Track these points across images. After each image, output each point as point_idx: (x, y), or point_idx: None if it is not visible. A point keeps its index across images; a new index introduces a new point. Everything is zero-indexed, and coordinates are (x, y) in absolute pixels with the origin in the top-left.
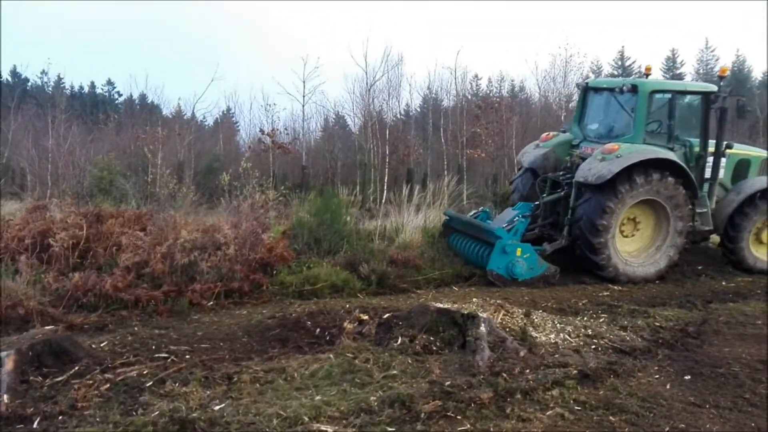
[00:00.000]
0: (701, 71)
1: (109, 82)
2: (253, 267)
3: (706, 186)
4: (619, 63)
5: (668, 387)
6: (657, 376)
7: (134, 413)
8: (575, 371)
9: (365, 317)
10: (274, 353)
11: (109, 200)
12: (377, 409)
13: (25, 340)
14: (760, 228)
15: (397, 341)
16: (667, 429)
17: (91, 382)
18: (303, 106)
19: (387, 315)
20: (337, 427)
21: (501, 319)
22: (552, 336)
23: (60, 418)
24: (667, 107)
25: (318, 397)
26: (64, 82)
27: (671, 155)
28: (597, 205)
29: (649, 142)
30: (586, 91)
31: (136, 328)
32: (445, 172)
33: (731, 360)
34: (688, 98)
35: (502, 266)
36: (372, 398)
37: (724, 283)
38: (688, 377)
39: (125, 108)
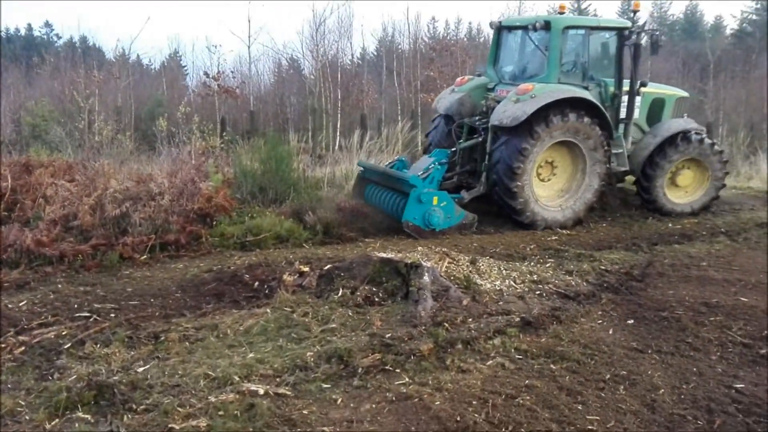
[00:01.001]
0: (655, 14)
1: (47, 24)
2: (190, 218)
3: (621, 127)
4: (576, 6)
5: (611, 332)
6: (600, 322)
7: (50, 378)
8: (518, 319)
9: (306, 269)
10: (208, 309)
11: (45, 149)
12: (313, 365)
13: None
14: (675, 171)
15: (338, 293)
16: (608, 376)
17: (3, 345)
18: (249, 47)
19: (328, 266)
20: (269, 386)
21: (446, 267)
22: (497, 283)
23: None
24: (581, 45)
25: (251, 355)
26: None
27: (586, 94)
28: (513, 147)
29: (564, 82)
30: (500, 31)
31: (59, 286)
32: (399, 118)
33: (674, 303)
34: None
35: (418, 216)
36: (309, 354)
37: (670, 225)
38: (631, 321)
39: (65, 51)
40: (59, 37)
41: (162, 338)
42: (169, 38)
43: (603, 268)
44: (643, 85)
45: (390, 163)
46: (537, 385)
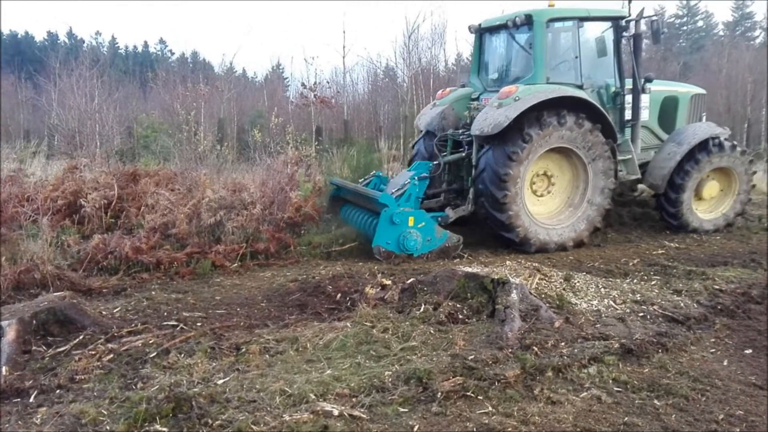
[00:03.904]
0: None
1: (161, 41)
2: (279, 227)
3: (628, 130)
4: None
5: (725, 363)
6: (713, 351)
7: (133, 387)
8: (617, 345)
9: (388, 282)
10: (291, 320)
11: (154, 159)
12: (391, 387)
13: (29, 308)
14: (699, 183)
15: (419, 309)
16: (721, 416)
17: (93, 352)
18: (344, 58)
19: (411, 280)
20: (343, 407)
21: (537, 284)
22: (594, 303)
23: (57, 391)
24: (571, 39)
25: (328, 371)
26: (117, 43)
27: (580, 93)
28: (501, 152)
29: (554, 82)
30: (481, 34)
31: (153, 293)
32: None
33: None
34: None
35: (392, 240)
36: (387, 373)
37: None
38: (749, 351)
39: (178, 66)
40: (172, 53)
41: (243, 350)
42: (270, 52)
43: (717, 287)
44: (648, 80)
45: (365, 179)
46: (638, 424)
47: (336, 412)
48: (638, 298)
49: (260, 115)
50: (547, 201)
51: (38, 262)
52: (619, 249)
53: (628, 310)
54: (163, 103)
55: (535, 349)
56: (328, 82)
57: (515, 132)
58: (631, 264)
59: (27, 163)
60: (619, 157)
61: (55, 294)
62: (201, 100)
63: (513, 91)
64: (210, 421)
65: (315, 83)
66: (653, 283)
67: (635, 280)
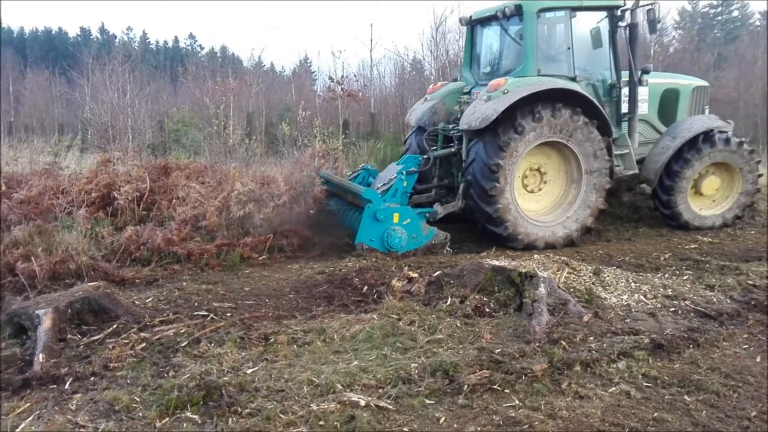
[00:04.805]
0: None
1: (191, 36)
2: (304, 220)
3: (625, 124)
4: None
5: (758, 360)
6: (746, 347)
7: (165, 375)
8: (647, 340)
9: (415, 275)
10: (318, 312)
11: (185, 153)
12: (417, 378)
13: (64, 298)
14: (698, 178)
15: (446, 302)
16: (753, 413)
17: (126, 341)
18: (371, 51)
19: (438, 273)
20: (370, 398)
21: (565, 278)
22: (624, 297)
23: (91, 379)
24: (564, 29)
25: (355, 363)
26: (148, 38)
27: (573, 86)
28: (492, 142)
29: (546, 74)
30: (473, 27)
31: (184, 283)
32: None
33: None
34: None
35: (375, 237)
36: (413, 365)
37: None
38: None
39: (208, 61)
40: (202, 48)
41: (272, 340)
42: (297, 47)
43: (751, 282)
44: (645, 72)
45: (353, 172)
46: (667, 419)
47: (362, 403)
48: (670, 293)
49: (288, 109)
50: (539, 198)
51: (73, 253)
52: (651, 243)
53: (659, 305)
54: (193, 97)
55: (563, 343)
56: (355, 76)
57: (507, 123)
58: (662, 258)
59: (61, 157)
60: (616, 152)
61: (90, 284)
62: (230, 94)
63: (502, 83)
64: (239, 409)
65: (342, 77)
66: (685, 277)
67: (667, 275)
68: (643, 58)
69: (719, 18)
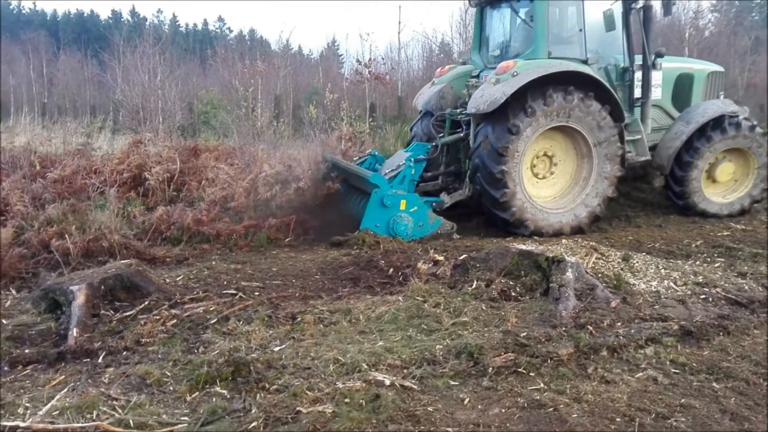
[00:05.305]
0: None
1: (220, 19)
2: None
3: (637, 109)
4: None
5: None
6: None
7: (195, 351)
8: (676, 326)
9: (441, 258)
10: (344, 293)
11: (213, 135)
12: (441, 360)
13: (97, 275)
14: (712, 164)
15: (472, 285)
16: None
17: (157, 317)
18: (399, 33)
19: (464, 256)
20: (395, 378)
21: (593, 263)
22: (654, 283)
23: (124, 353)
24: (576, 11)
25: (380, 343)
26: (178, 21)
27: (585, 69)
28: (501, 125)
29: (557, 56)
30: (482, 8)
31: (213, 263)
32: None
33: None
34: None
35: (381, 223)
36: (438, 347)
37: None
38: None
39: (236, 43)
40: (231, 31)
41: (298, 319)
42: (325, 29)
43: None
44: (659, 55)
45: (360, 158)
46: (695, 406)
47: (387, 382)
48: (700, 280)
49: (315, 92)
50: (548, 184)
51: (106, 232)
52: (682, 230)
53: (689, 292)
54: (222, 79)
55: (590, 328)
56: (382, 59)
57: (517, 106)
58: (693, 245)
59: (94, 138)
60: (628, 138)
61: (122, 262)
62: (258, 77)
63: (511, 66)
64: (267, 386)
65: (370, 59)
66: (717, 265)
67: (698, 262)
68: (671, 42)
69: (757, 1)
